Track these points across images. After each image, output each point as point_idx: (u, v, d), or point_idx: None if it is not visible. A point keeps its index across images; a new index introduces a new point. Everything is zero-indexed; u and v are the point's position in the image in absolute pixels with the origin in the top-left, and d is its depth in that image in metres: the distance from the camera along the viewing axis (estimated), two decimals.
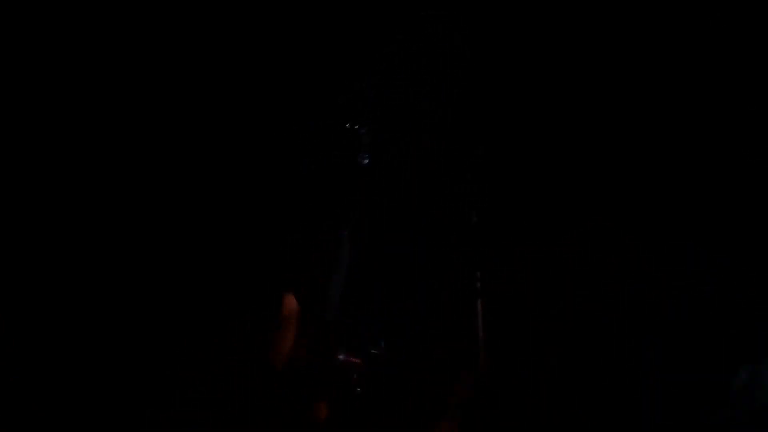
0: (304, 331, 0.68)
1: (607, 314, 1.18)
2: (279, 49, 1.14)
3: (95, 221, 1.12)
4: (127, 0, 1.17)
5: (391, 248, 0.99)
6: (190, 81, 1.16)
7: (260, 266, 0.94)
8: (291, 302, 0.68)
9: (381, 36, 1.06)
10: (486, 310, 1.12)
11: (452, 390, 0.71)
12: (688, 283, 1.14)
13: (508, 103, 1.24)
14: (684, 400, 1.10)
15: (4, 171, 1.12)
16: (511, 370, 1.13)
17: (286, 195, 1.01)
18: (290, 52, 1.13)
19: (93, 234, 1.11)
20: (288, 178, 1.03)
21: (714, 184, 1.18)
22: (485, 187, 1.20)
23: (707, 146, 1.20)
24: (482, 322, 1.11)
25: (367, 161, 0.93)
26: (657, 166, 1.22)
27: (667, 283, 1.16)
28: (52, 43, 1.14)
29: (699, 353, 1.11)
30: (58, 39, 1.14)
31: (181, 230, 1.11)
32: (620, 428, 1.12)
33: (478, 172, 1.20)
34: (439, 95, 1.13)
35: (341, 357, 0.66)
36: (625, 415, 1.12)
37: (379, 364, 0.69)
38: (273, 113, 1.13)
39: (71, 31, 1.14)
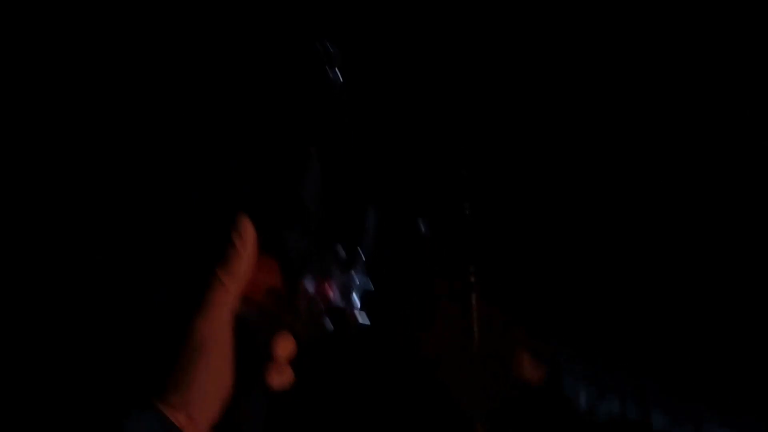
0: (265, 259, 0.61)
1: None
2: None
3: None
4: None
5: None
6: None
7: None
8: (247, 225, 0.60)
9: None
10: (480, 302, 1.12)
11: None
12: None
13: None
14: None
15: None
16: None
17: None
18: None
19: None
20: None
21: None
22: (479, 180, 1.19)
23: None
24: (477, 315, 1.11)
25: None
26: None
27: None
28: None
29: None
30: None
31: None
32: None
33: (472, 166, 1.19)
34: None
35: (309, 287, 0.60)
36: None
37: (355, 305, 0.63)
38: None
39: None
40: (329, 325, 0.61)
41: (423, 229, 1.04)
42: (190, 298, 0.59)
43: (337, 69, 0.78)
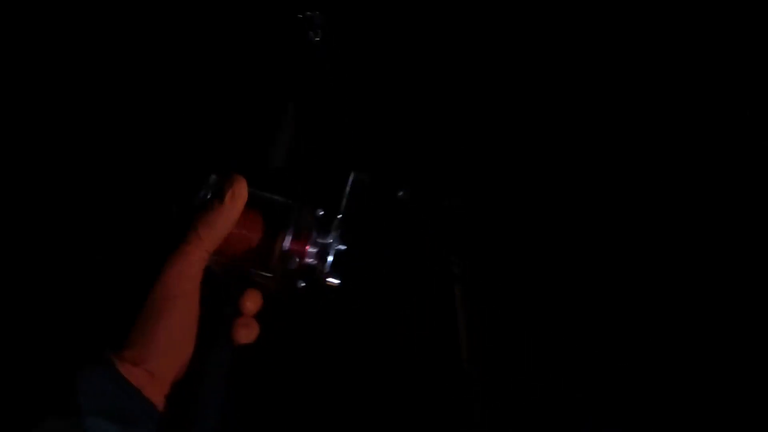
0: (250, 214, 0.60)
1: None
2: None
3: None
4: None
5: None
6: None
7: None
8: (242, 183, 0.58)
9: None
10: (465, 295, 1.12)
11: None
12: None
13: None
14: None
15: None
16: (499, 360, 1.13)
17: None
18: None
19: None
20: None
21: None
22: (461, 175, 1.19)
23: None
24: (462, 307, 1.11)
25: None
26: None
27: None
28: None
29: None
30: None
31: None
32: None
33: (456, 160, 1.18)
34: None
35: (287, 243, 0.59)
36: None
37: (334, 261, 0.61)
38: None
39: None
40: (300, 282, 0.60)
41: (402, 197, 1.04)
42: (160, 247, 0.56)
43: (319, 30, 0.77)
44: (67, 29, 1.12)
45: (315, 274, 0.60)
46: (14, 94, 1.10)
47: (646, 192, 1.19)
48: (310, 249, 0.60)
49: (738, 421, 1.05)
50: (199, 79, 1.06)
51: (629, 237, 1.17)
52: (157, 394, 0.54)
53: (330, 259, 0.60)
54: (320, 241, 0.60)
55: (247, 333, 0.60)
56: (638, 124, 1.21)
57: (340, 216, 0.61)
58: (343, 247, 0.60)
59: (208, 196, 0.58)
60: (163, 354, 0.54)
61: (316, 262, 0.60)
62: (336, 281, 0.61)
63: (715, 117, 1.17)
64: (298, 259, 0.59)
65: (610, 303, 1.15)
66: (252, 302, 0.60)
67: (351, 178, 0.64)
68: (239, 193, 0.57)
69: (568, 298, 1.16)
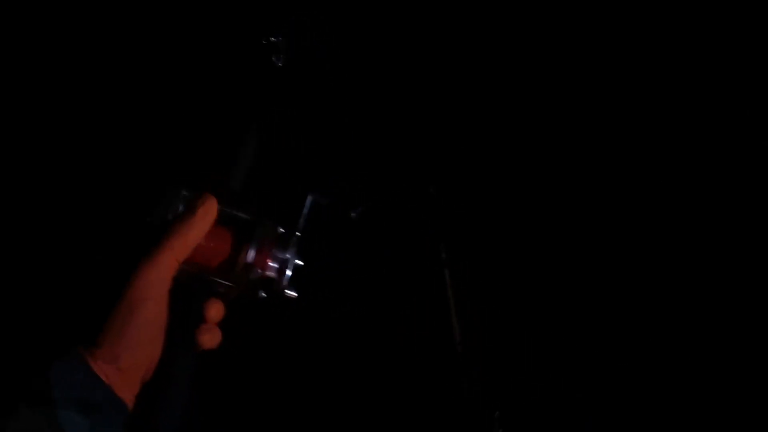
0: (219, 229, 0.64)
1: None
2: None
3: None
4: None
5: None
6: None
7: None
8: (212, 201, 0.63)
9: None
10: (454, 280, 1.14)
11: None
12: None
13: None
14: None
15: None
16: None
17: None
18: None
19: None
20: None
21: None
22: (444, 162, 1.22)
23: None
24: (452, 293, 1.14)
25: None
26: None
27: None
28: None
29: None
30: None
31: None
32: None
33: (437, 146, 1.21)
34: None
35: (251, 256, 0.63)
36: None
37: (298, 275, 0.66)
38: None
39: None
40: (261, 293, 0.66)
41: (354, 216, 1.08)
42: (133, 252, 0.60)
43: (283, 56, 0.81)
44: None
45: (274, 287, 0.66)
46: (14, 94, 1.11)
47: (641, 186, 1.20)
48: (270, 263, 0.65)
49: (738, 421, 1.06)
50: (175, 95, 1.10)
51: (629, 237, 1.18)
52: (126, 392, 0.58)
53: (289, 273, 0.65)
54: (280, 256, 0.65)
55: (210, 339, 0.64)
56: (638, 123, 1.21)
57: (299, 234, 0.67)
58: (300, 263, 0.66)
59: (180, 209, 0.63)
60: (133, 353, 0.57)
61: (276, 275, 0.65)
62: (294, 293, 0.66)
63: (715, 117, 1.18)
64: (260, 271, 0.64)
65: (610, 303, 1.15)
66: (215, 310, 0.65)
67: (309, 199, 0.69)
68: (210, 209, 0.63)
69: (565, 292, 1.17)
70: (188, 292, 0.64)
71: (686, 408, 1.09)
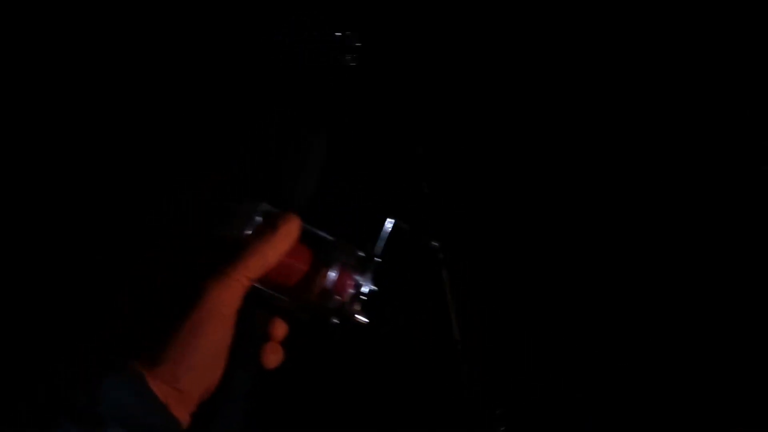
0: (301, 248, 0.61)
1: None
2: None
3: None
4: None
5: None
6: None
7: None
8: (296, 219, 0.59)
9: None
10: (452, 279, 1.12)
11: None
12: None
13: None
14: None
15: None
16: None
17: None
18: None
19: None
20: None
21: None
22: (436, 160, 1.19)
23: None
24: (450, 292, 1.11)
25: None
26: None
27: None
28: None
29: None
30: None
31: None
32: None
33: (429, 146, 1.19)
34: None
35: (330, 280, 0.60)
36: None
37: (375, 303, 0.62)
38: None
39: None
40: (334, 320, 0.62)
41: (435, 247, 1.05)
42: (206, 267, 0.56)
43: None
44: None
45: (344, 310, 0.62)
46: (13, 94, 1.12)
47: (641, 185, 1.19)
48: (349, 289, 0.61)
49: (738, 421, 1.05)
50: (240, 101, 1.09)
51: (629, 236, 1.18)
52: (182, 411, 0.54)
53: (363, 298, 0.62)
54: (358, 281, 0.61)
55: (274, 358, 0.62)
56: (637, 123, 1.21)
57: (379, 259, 0.63)
58: (375, 288, 0.62)
59: (257, 224, 0.59)
60: (195, 374, 0.54)
61: (351, 300, 0.61)
62: (365, 319, 0.62)
63: (715, 117, 1.17)
64: (338, 298, 0.61)
65: (610, 302, 1.15)
66: (280, 329, 0.63)
67: (389, 223, 0.65)
68: (293, 228, 0.59)
69: (565, 291, 1.17)
70: (254, 309, 0.61)
71: (686, 408, 1.08)
